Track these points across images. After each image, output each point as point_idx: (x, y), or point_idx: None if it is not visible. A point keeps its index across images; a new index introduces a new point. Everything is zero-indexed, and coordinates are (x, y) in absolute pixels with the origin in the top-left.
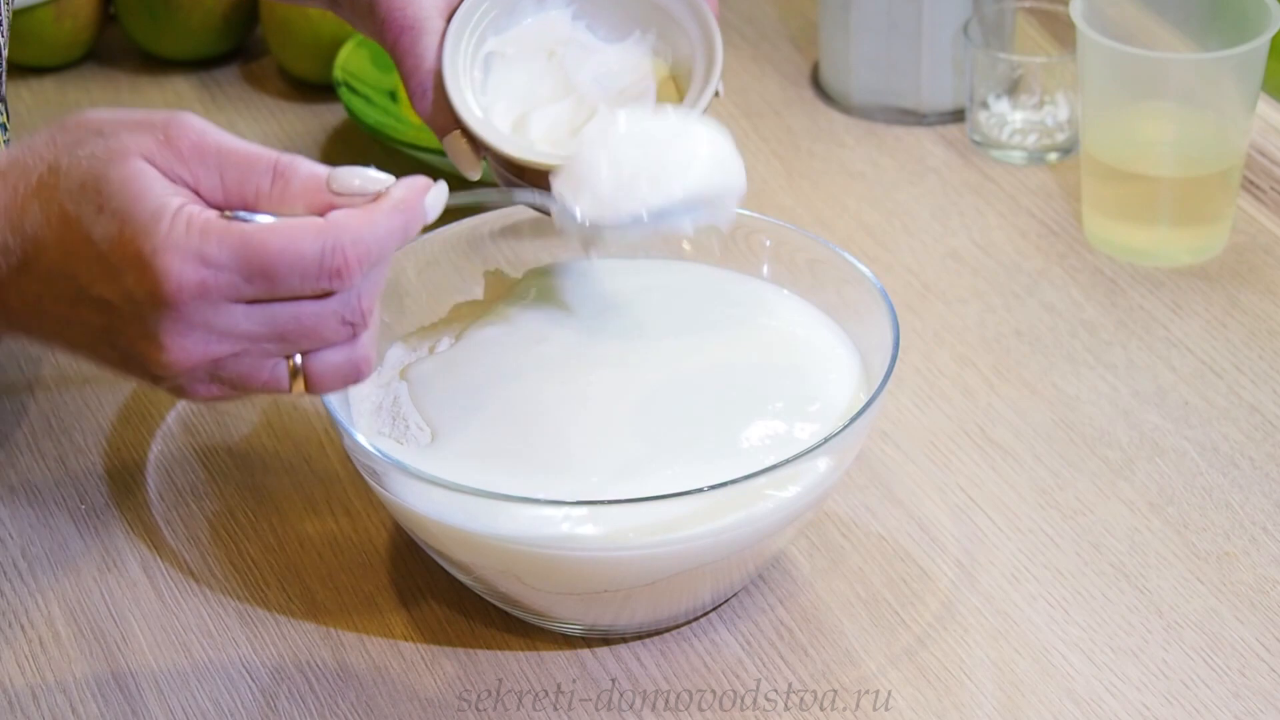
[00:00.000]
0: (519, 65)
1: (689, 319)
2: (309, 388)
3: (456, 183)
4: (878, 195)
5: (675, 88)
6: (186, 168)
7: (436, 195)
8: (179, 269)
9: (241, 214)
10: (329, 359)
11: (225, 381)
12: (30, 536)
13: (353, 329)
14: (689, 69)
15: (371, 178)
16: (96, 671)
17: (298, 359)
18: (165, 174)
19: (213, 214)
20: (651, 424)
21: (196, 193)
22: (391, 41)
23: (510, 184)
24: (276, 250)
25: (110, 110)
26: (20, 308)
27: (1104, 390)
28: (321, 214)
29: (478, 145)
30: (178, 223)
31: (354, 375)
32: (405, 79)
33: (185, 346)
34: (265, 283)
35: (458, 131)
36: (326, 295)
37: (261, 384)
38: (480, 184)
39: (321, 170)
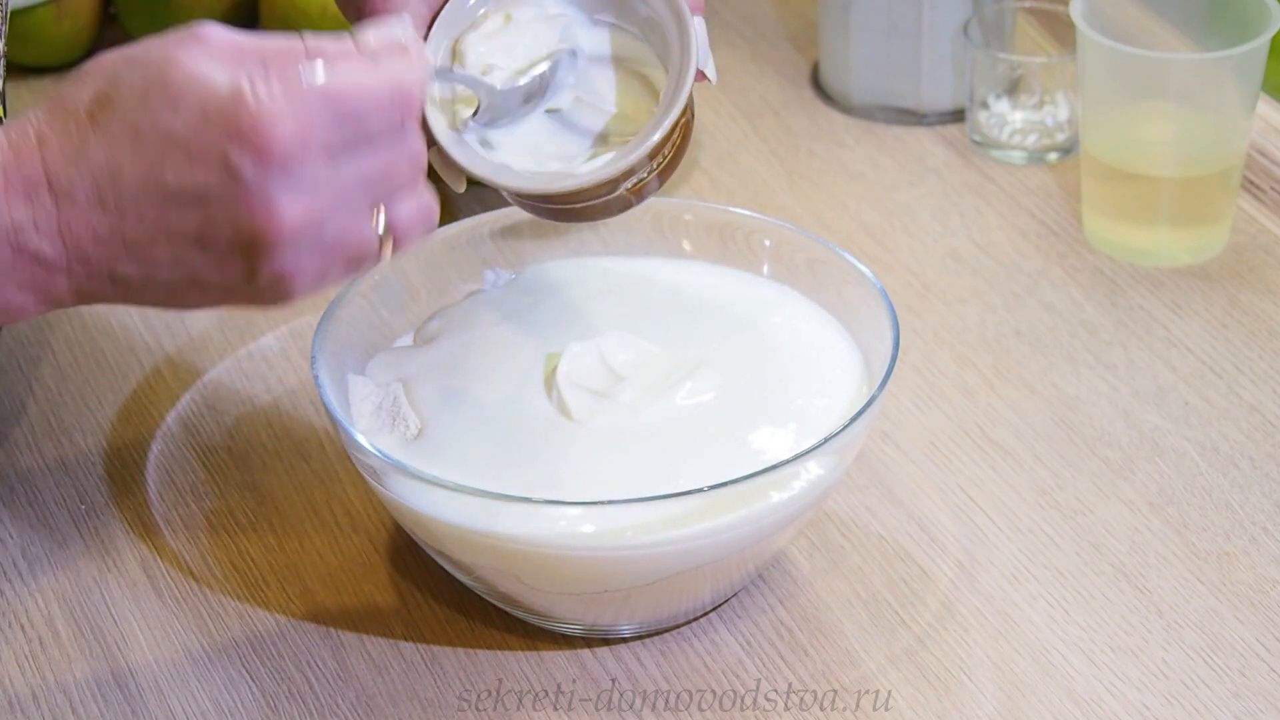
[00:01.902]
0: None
1: (689, 317)
2: (394, 233)
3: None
4: (878, 195)
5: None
6: (236, 49)
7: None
8: (282, 126)
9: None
10: (407, 207)
11: (326, 247)
12: (30, 536)
13: (415, 169)
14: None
15: (389, 35)
16: (96, 671)
17: (381, 219)
18: (218, 58)
19: (289, 69)
20: (651, 423)
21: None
22: None
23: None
24: (356, 93)
25: (121, 48)
26: (96, 249)
27: (1104, 390)
28: None
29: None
30: (260, 89)
31: (429, 220)
32: None
33: (296, 203)
34: (353, 122)
35: (435, 148)
36: (394, 137)
37: (356, 243)
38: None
39: (346, 41)
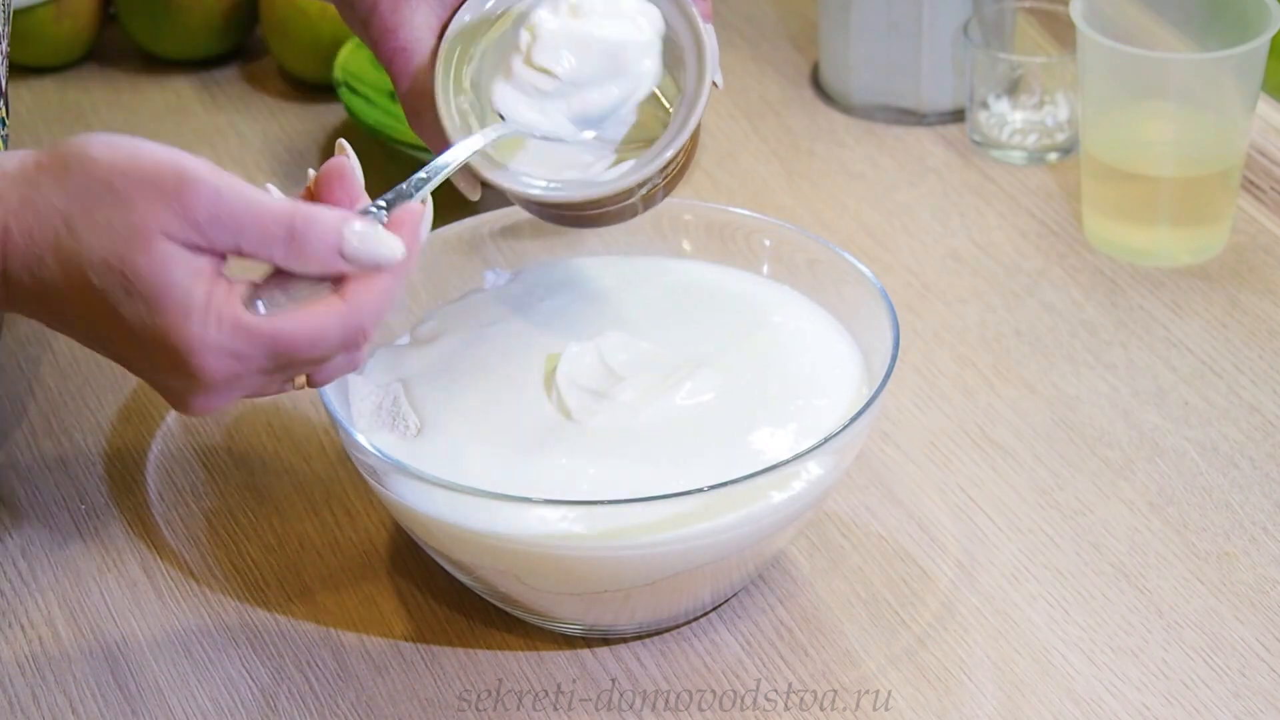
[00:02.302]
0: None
1: (689, 317)
2: (312, 383)
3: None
4: (878, 195)
5: (671, 79)
6: (204, 237)
7: (426, 223)
8: (212, 364)
9: (261, 302)
10: (332, 368)
11: (243, 392)
12: (30, 536)
13: (356, 364)
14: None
15: (383, 250)
16: (96, 671)
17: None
18: (185, 246)
19: (239, 305)
20: (651, 423)
21: (216, 254)
22: (386, 62)
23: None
24: (305, 341)
25: (111, 151)
26: (38, 316)
27: (1104, 390)
28: (335, 280)
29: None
30: (209, 321)
31: (350, 370)
32: (401, 100)
33: (211, 402)
34: (290, 362)
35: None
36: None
37: (270, 393)
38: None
39: (333, 230)
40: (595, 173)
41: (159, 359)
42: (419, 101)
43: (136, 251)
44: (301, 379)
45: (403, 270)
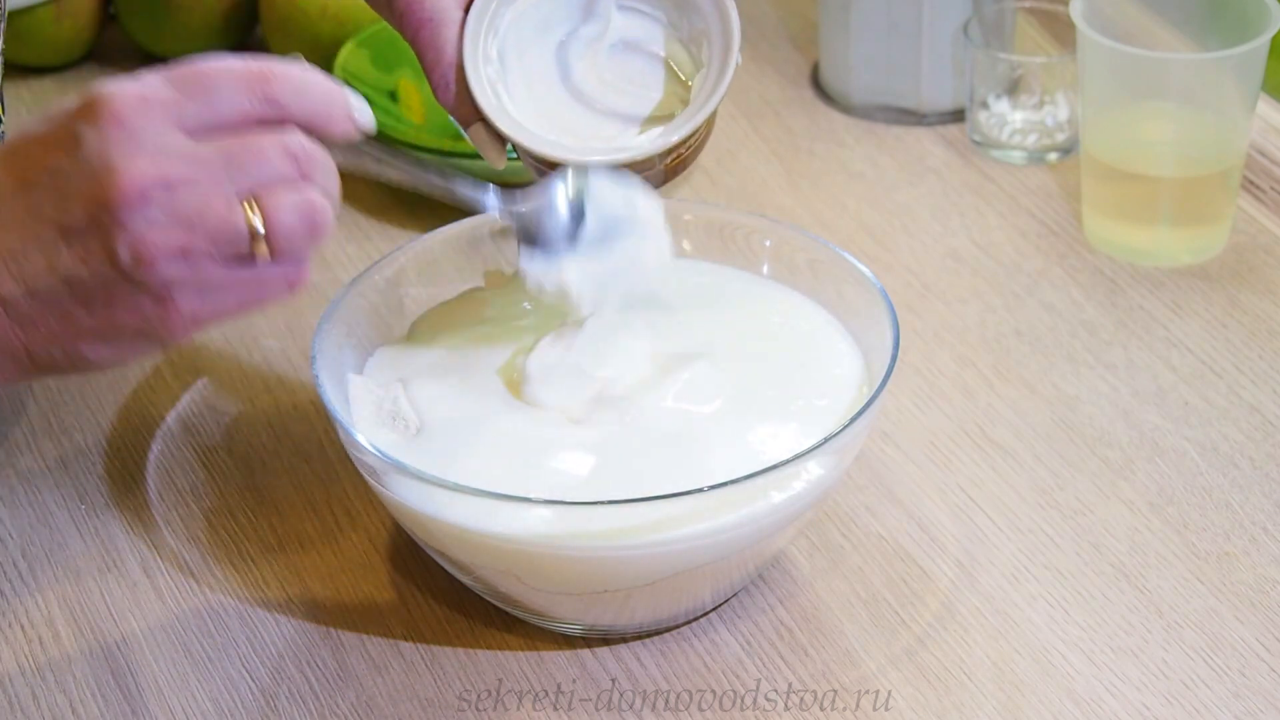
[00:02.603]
0: (532, 49)
1: (689, 316)
2: (268, 226)
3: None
4: (878, 195)
5: (688, 56)
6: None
7: (361, 102)
8: (122, 88)
9: None
10: (286, 199)
11: (182, 219)
12: (30, 536)
13: (297, 165)
14: (703, 40)
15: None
16: (96, 671)
17: (255, 214)
18: None
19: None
20: (651, 423)
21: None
22: (412, 35)
23: (540, 172)
24: (207, 66)
25: None
26: None
27: (1104, 390)
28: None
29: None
30: (112, 83)
31: (313, 218)
32: (428, 72)
33: (135, 161)
34: (201, 94)
35: (480, 123)
36: (260, 123)
37: (218, 219)
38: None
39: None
40: (621, 142)
41: (71, 126)
42: (448, 73)
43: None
44: (258, 221)
45: (323, 80)
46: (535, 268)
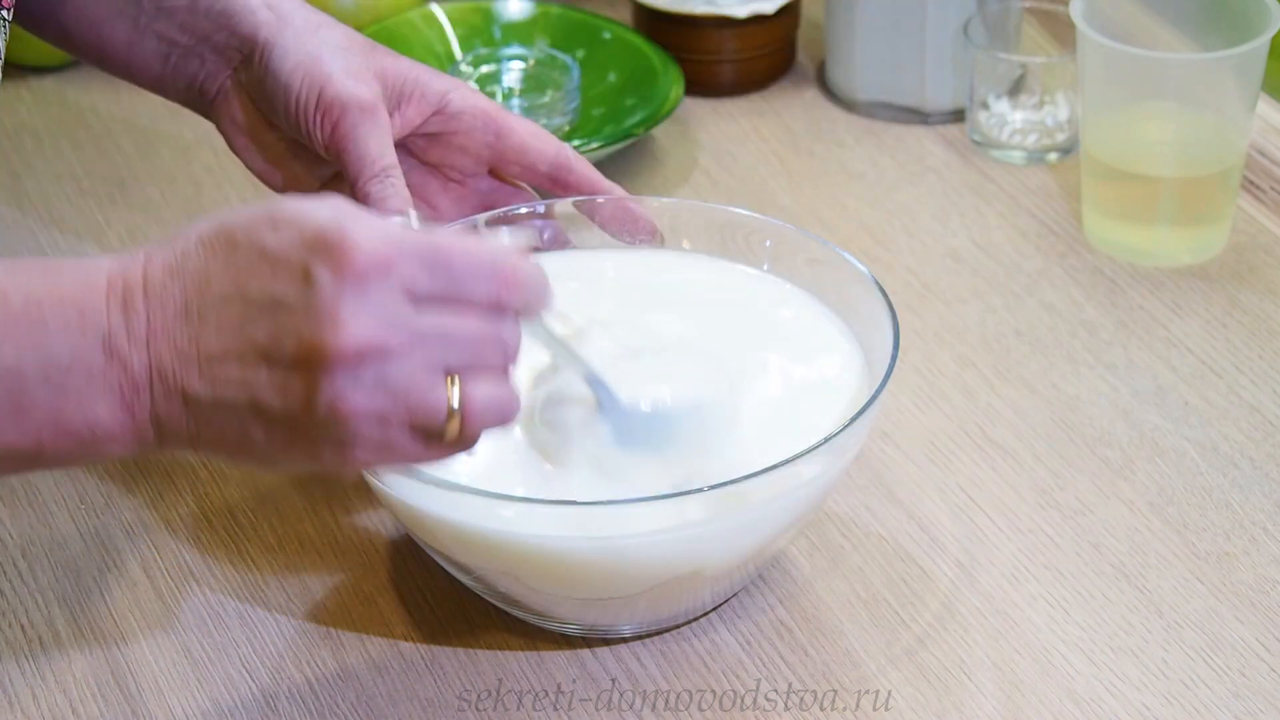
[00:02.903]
0: None
1: (689, 313)
2: (465, 416)
3: None
4: (878, 195)
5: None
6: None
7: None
8: (369, 242)
9: None
10: (486, 388)
11: (389, 390)
12: (30, 536)
13: (505, 358)
14: None
15: (517, 240)
16: (96, 671)
17: (455, 391)
18: (329, 205)
19: (387, 222)
20: (649, 421)
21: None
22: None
23: None
24: (458, 249)
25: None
26: (173, 362)
27: (1104, 390)
28: None
29: None
30: (360, 223)
31: (505, 410)
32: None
33: (361, 323)
34: (445, 275)
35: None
36: (487, 311)
37: (421, 397)
38: None
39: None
40: None
41: (310, 265)
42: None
43: (282, 202)
44: (456, 418)
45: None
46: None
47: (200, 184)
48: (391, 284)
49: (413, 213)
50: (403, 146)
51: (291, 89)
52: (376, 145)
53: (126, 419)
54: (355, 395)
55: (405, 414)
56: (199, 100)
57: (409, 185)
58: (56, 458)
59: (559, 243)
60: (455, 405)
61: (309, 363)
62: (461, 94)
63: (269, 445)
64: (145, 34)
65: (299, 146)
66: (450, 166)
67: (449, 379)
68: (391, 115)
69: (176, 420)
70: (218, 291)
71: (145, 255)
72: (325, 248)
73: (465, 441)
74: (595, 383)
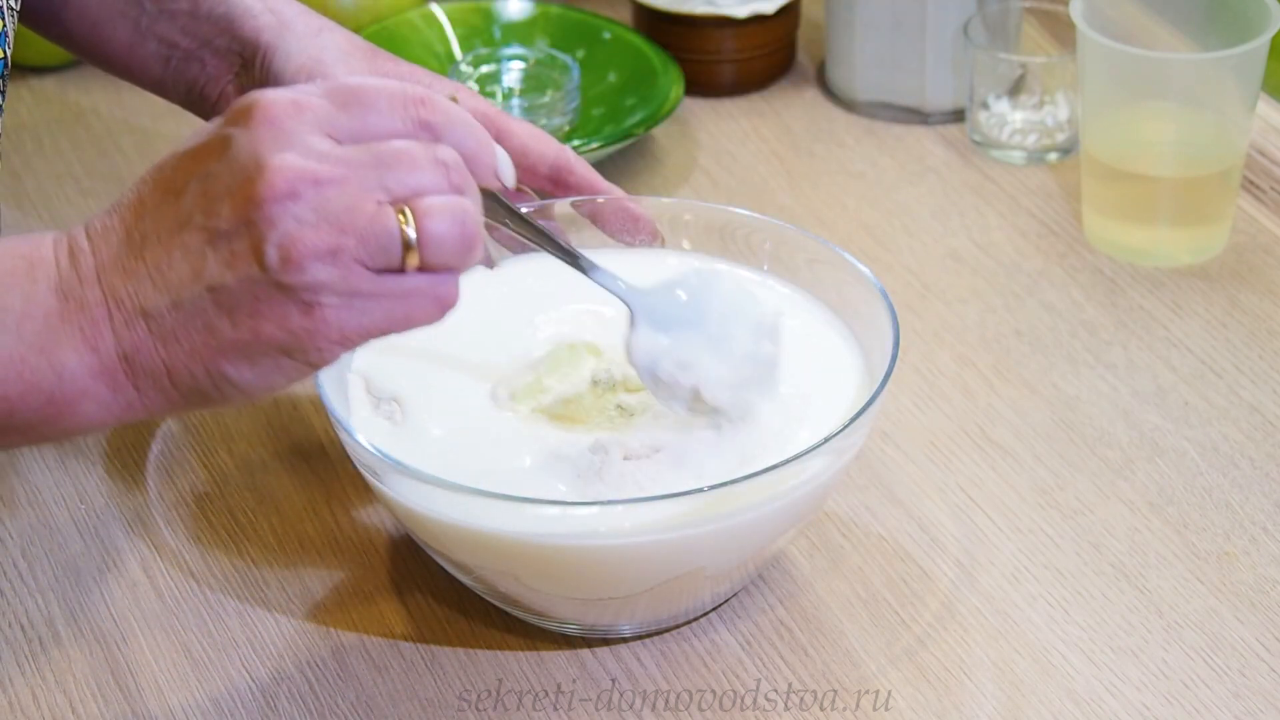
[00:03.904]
0: None
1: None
2: (420, 232)
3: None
4: (878, 195)
5: None
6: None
7: (506, 156)
8: (277, 93)
9: None
10: (438, 213)
11: (330, 219)
12: (30, 536)
13: (449, 176)
14: None
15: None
16: (96, 671)
17: (411, 227)
18: None
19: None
20: (649, 421)
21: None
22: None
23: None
24: (369, 83)
25: None
26: (125, 285)
27: (1104, 390)
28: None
29: None
30: (269, 91)
31: (463, 223)
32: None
33: (285, 158)
34: (359, 109)
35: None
36: (423, 138)
37: (368, 223)
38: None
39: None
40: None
41: (224, 131)
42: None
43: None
44: (410, 229)
45: (476, 124)
46: (645, 350)
47: None
48: (306, 122)
49: None
50: None
51: None
52: None
53: (94, 360)
54: (299, 233)
55: (357, 244)
56: (200, 103)
57: None
58: (31, 423)
59: None
60: (409, 232)
61: (246, 216)
62: (462, 97)
63: (239, 336)
64: (146, 36)
65: None
66: None
67: (398, 211)
68: None
69: (144, 348)
70: (152, 206)
71: (86, 219)
72: (237, 114)
73: (439, 282)
74: (607, 278)
